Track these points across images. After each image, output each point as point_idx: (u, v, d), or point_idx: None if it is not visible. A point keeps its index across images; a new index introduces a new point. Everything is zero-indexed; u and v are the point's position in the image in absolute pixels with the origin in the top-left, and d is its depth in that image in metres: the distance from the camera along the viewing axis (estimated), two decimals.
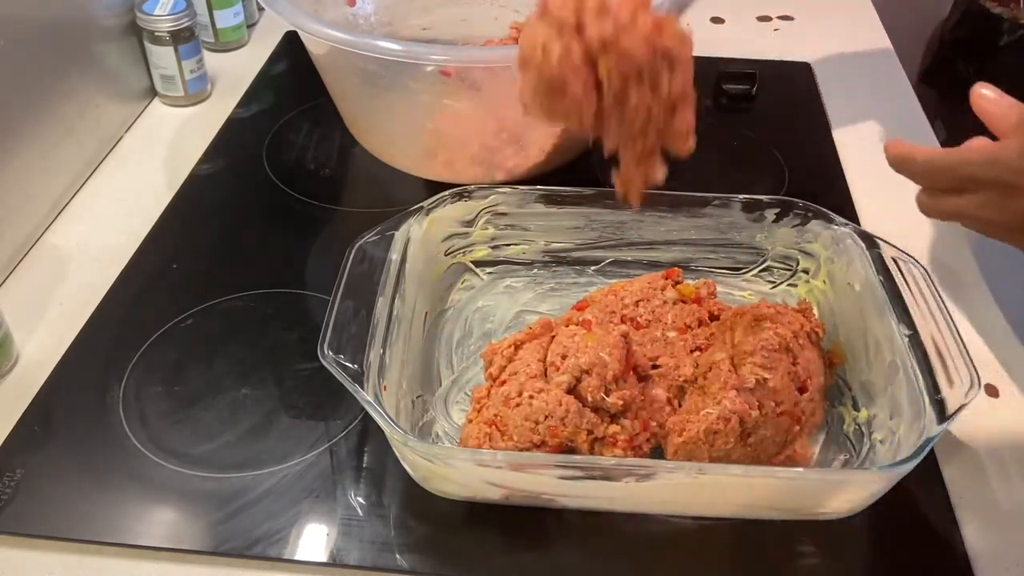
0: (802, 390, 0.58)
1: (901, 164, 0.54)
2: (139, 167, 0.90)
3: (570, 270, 0.74)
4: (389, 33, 0.95)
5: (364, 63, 0.73)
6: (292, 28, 0.81)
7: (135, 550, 0.55)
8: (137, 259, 0.77)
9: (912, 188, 0.85)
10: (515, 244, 0.73)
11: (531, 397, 0.55)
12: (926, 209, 0.55)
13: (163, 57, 0.95)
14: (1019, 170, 0.47)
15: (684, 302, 0.67)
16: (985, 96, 0.51)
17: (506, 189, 0.70)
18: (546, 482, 0.52)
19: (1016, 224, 0.50)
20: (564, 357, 0.57)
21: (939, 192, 0.54)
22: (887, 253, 0.63)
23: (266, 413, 0.64)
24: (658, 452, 0.58)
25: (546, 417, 0.54)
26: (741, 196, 0.70)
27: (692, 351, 0.62)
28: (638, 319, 0.65)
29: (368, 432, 0.62)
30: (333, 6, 0.91)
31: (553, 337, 0.62)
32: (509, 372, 0.58)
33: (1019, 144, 0.48)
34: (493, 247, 0.73)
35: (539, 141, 0.80)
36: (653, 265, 0.72)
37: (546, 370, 0.58)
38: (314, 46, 0.79)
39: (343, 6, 0.92)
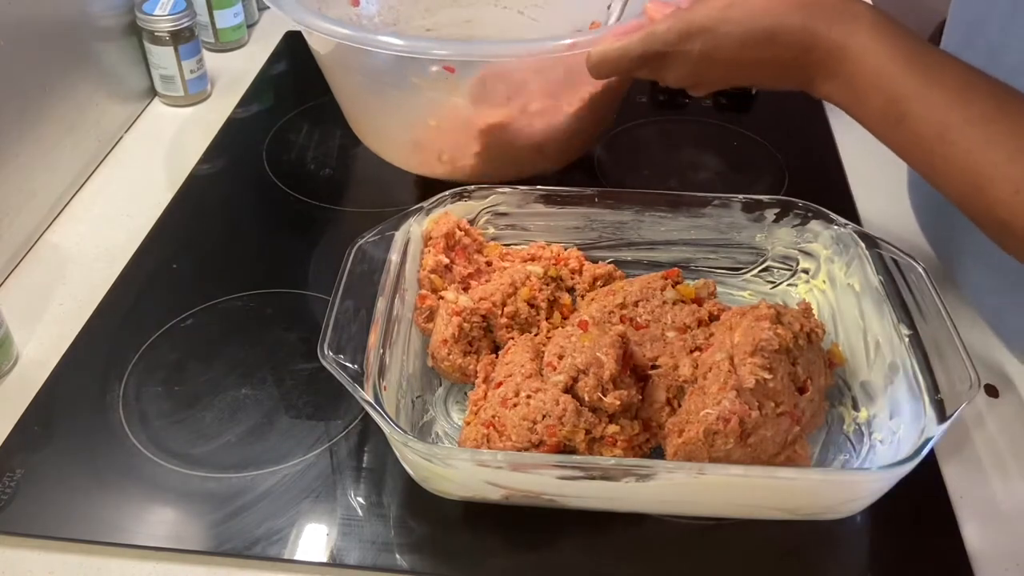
0: (802, 391, 0.58)
1: (599, 72, 0.63)
2: (139, 167, 0.90)
3: None
4: (393, 33, 0.95)
5: (368, 60, 0.73)
6: (293, 28, 0.81)
7: (135, 550, 0.55)
8: (137, 259, 0.77)
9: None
10: (515, 244, 0.73)
11: (528, 397, 0.55)
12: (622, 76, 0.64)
13: (163, 57, 0.95)
14: (669, 41, 0.58)
15: (684, 302, 0.67)
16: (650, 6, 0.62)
17: (506, 189, 0.70)
18: (546, 482, 0.52)
19: (683, 82, 0.61)
20: (561, 357, 0.57)
21: (630, 72, 0.62)
22: (887, 253, 0.63)
23: (266, 413, 0.64)
24: (658, 452, 0.58)
25: (543, 416, 0.54)
26: (741, 196, 0.70)
27: (692, 351, 0.62)
28: (637, 319, 0.65)
29: (368, 432, 0.62)
30: (337, 5, 0.91)
31: (549, 337, 0.62)
32: (503, 374, 0.59)
33: (665, 21, 0.58)
34: None
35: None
36: (653, 265, 0.72)
37: (541, 370, 0.58)
38: (319, 44, 0.79)
39: (347, 6, 0.92)
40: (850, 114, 0.57)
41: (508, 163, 0.79)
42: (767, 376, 0.55)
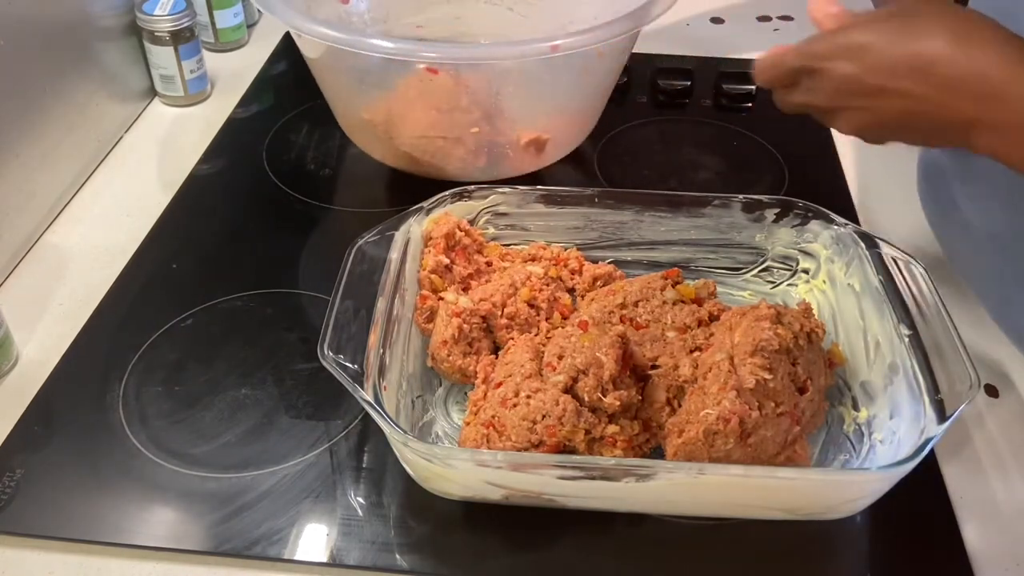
0: (802, 391, 0.58)
1: (759, 78, 0.59)
2: (139, 167, 0.90)
3: None
4: (383, 31, 0.95)
5: (354, 60, 0.74)
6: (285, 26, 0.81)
7: (135, 550, 0.55)
8: (137, 259, 0.77)
9: (913, 187, 0.86)
10: (515, 244, 0.73)
11: (528, 397, 0.55)
12: (780, 106, 0.60)
13: (163, 57, 0.95)
14: (822, 56, 0.54)
15: (684, 302, 0.67)
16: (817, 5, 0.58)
17: (506, 189, 0.70)
18: (546, 482, 0.52)
19: (830, 105, 0.56)
20: (560, 357, 0.57)
21: (780, 88, 0.59)
22: (887, 253, 0.63)
23: (266, 413, 0.64)
24: (658, 452, 0.58)
25: (543, 417, 0.54)
26: (741, 196, 0.70)
27: (692, 351, 0.62)
28: (637, 319, 0.65)
29: (368, 432, 0.62)
30: (327, 4, 0.91)
31: (549, 337, 0.62)
32: (503, 375, 0.58)
33: (824, 35, 0.55)
34: None
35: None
36: (653, 265, 0.72)
37: (541, 370, 0.58)
38: (308, 48, 0.80)
39: (337, 4, 0.92)
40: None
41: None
42: (767, 376, 0.55)
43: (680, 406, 0.58)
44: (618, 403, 0.56)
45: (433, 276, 0.65)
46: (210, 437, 0.62)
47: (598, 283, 0.70)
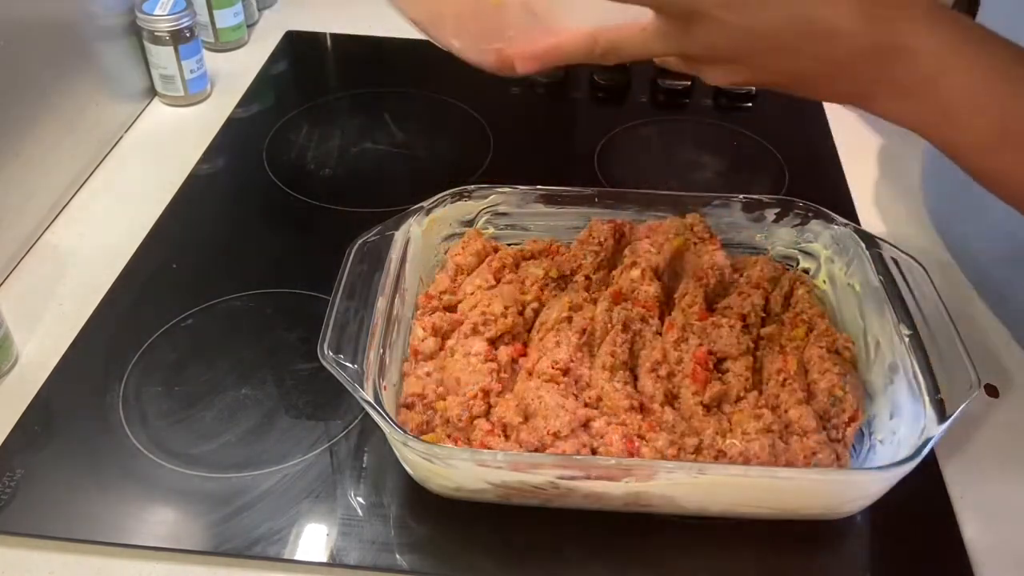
0: (852, 420, 0.58)
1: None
2: (139, 167, 0.90)
3: None
4: None
5: None
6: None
7: (135, 550, 0.55)
8: (137, 259, 0.77)
9: (912, 187, 0.86)
10: (515, 244, 0.73)
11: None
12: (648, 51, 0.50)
13: (163, 57, 0.95)
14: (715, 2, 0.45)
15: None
16: None
17: (506, 189, 0.70)
18: (546, 482, 0.52)
19: (706, 55, 0.48)
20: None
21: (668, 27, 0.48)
22: (887, 253, 0.63)
23: (266, 413, 0.64)
24: None
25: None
26: (741, 196, 0.70)
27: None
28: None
29: (368, 432, 0.62)
30: None
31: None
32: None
33: None
34: None
35: None
36: None
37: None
38: None
39: None
40: (931, 139, 0.49)
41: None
42: (840, 395, 0.57)
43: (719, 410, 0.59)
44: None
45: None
46: (210, 437, 0.62)
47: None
